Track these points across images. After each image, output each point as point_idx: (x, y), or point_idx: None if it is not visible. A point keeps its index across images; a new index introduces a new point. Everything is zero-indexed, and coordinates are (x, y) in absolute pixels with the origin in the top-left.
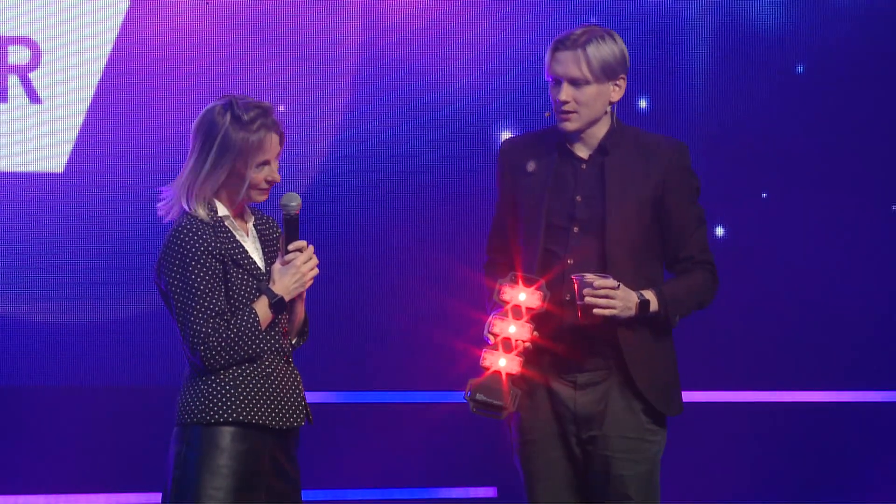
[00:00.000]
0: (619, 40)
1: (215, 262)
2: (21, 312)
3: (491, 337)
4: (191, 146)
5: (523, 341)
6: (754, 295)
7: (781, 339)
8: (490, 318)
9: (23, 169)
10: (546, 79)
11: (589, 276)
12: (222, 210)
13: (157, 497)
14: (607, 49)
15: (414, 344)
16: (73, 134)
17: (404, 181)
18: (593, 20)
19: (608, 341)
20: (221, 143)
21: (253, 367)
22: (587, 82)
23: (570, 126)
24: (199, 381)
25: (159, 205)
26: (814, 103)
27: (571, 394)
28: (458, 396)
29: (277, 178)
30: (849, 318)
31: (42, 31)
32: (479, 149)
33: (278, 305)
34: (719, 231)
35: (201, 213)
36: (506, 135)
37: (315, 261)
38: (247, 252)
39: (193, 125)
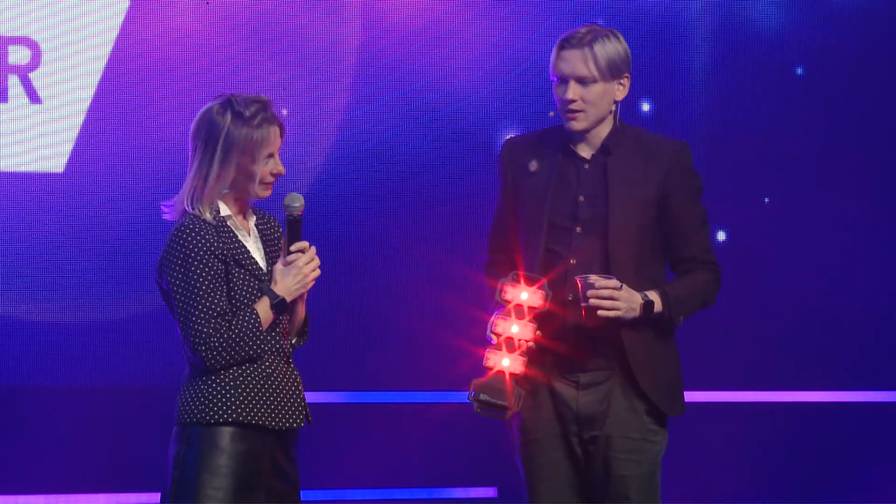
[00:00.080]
0: (622, 39)
1: (217, 263)
2: (20, 312)
3: (494, 337)
4: (191, 151)
5: (526, 341)
6: (754, 295)
7: (781, 339)
8: (492, 318)
9: (22, 169)
10: (551, 78)
11: (592, 278)
12: (225, 210)
13: (157, 497)
14: (612, 47)
15: (414, 344)
16: (73, 134)
17: (405, 181)
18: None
19: (611, 341)
20: (225, 142)
21: (253, 367)
22: (594, 80)
23: (576, 125)
24: (199, 380)
25: (165, 214)
26: (814, 103)
27: (574, 394)
28: (458, 396)
29: (282, 169)
30: (849, 319)
31: (42, 31)
32: (479, 149)
33: (280, 306)
34: (721, 235)
35: (205, 213)
36: (506, 135)
37: (317, 262)
38: (249, 252)
39: (192, 129)
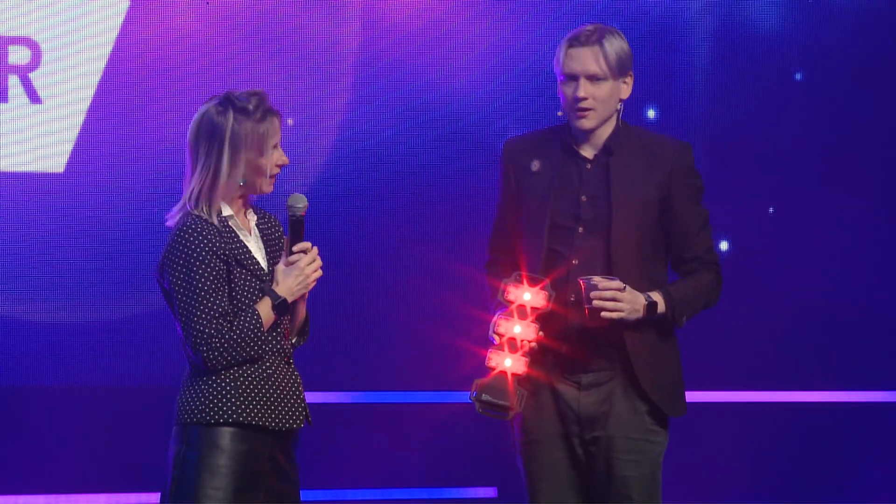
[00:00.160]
0: (624, 37)
1: (219, 263)
2: (19, 312)
3: (496, 337)
4: (191, 155)
5: (529, 341)
6: (754, 295)
7: (782, 340)
8: (495, 318)
9: (22, 169)
10: (559, 77)
11: (596, 279)
12: (226, 210)
13: (157, 497)
14: (619, 45)
15: (414, 344)
16: (73, 134)
17: (405, 181)
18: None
19: (613, 342)
20: (232, 139)
21: (253, 367)
22: (605, 78)
23: (586, 124)
24: (199, 380)
25: (167, 222)
26: (814, 103)
27: (575, 394)
28: (458, 396)
29: (286, 159)
30: (849, 319)
31: (42, 31)
32: (479, 149)
33: (281, 307)
34: (721, 241)
35: (207, 213)
36: (506, 135)
37: (319, 262)
38: (250, 252)
39: (191, 134)
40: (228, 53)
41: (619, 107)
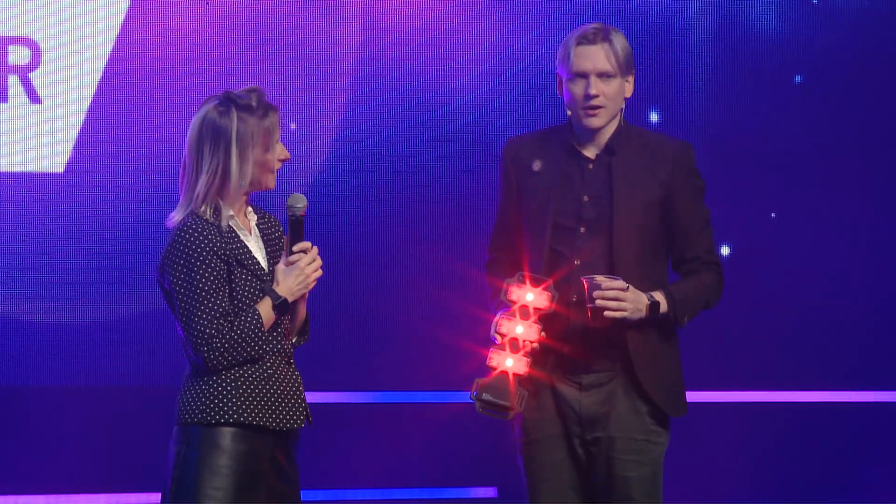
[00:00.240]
0: (625, 36)
1: (220, 263)
2: (19, 312)
3: (498, 337)
4: (194, 158)
5: (531, 342)
6: (755, 295)
7: (782, 340)
8: (497, 318)
9: (22, 169)
10: (567, 77)
11: (599, 278)
12: (227, 210)
13: (157, 497)
14: (624, 42)
15: (414, 344)
16: (73, 134)
17: (404, 181)
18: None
19: (615, 342)
20: (239, 138)
21: (254, 367)
22: (614, 75)
23: (596, 122)
24: (199, 380)
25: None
26: (813, 103)
27: (576, 395)
28: (458, 396)
29: (288, 154)
30: (849, 319)
31: (42, 31)
32: (478, 148)
33: (282, 307)
34: (722, 242)
35: (208, 213)
36: (505, 134)
37: (319, 262)
38: (251, 252)
39: (191, 137)
40: (227, 53)
41: (622, 105)
